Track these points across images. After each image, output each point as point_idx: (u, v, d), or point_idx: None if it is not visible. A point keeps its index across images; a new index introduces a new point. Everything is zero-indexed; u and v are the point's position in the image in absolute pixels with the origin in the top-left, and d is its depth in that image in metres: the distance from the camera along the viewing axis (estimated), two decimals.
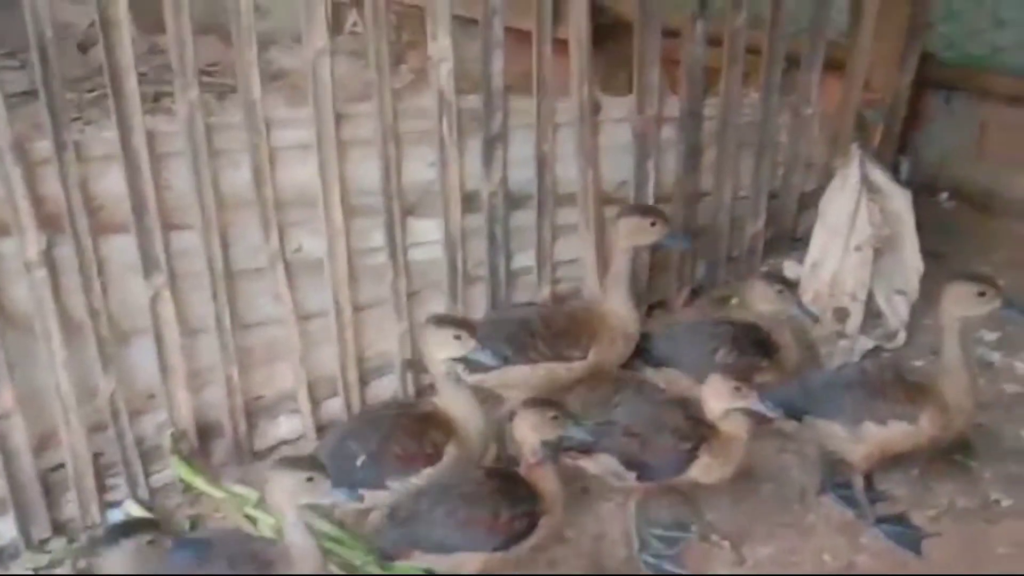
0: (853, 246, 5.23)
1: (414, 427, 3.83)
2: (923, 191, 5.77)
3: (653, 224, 4.39)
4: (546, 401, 3.58)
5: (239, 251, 4.20)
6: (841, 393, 4.02)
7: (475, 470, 3.69)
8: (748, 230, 5.70)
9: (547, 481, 3.53)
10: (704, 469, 3.80)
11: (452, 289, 4.72)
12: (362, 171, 4.34)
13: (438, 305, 4.71)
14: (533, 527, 3.50)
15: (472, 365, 3.95)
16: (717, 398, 3.76)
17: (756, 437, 3.91)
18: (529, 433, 3.49)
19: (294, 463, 3.24)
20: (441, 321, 3.86)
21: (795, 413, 4.00)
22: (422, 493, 3.57)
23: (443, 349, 3.79)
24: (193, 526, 4.08)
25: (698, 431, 3.78)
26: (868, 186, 5.27)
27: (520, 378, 4.27)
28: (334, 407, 4.59)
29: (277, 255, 4.25)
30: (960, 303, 3.84)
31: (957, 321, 3.84)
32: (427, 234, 4.61)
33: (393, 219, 4.45)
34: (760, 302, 4.34)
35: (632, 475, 3.82)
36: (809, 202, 5.68)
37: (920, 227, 5.34)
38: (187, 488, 4.23)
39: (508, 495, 3.48)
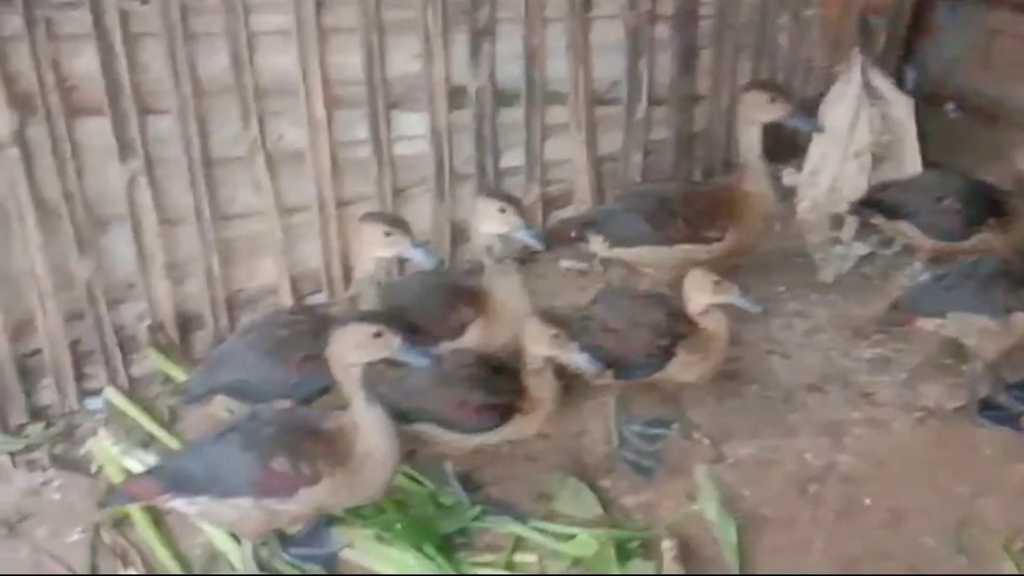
0: (852, 152, 5.15)
1: (446, 298, 3.79)
2: (929, 101, 5.66)
3: (772, 100, 4.22)
4: (553, 317, 3.45)
5: (218, 139, 4.13)
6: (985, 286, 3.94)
7: (468, 353, 3.59)
8: None
9: (541, 387, 3.46)
10: (682, 366, 3.73)
11: (439, 186, 4.65)
12: (344, 60, 4.26)
13: (424, 203, 4.65)
14: (505, 421, 3.44)
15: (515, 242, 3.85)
16: (698, 292, 3.68)
17: (741, 340, 3.85)
18: (531, 343, 3.42)
19: (365, 317, 3.12)
20: (492, 193, 3.78)
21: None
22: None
23: (487, 222, 3.67)
24: (173, 416, 4.07)
25: (676, 327, 3.70)
26: (869, 92, 5.19)
27: (658, 258, 4.25)
28: (317, 302, 4.52)
29: (257, 144, 4.18)
30: None
31: None
32: (413, 128, 4.53)
33: (377, 111, 4.38)
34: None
35: (609, 372, 3.77)
36: (809, 108, 5.54)
37: (924, 137, 5.25)
38: (166, 379, 4.20)
39: (485, 384, 3.43)
